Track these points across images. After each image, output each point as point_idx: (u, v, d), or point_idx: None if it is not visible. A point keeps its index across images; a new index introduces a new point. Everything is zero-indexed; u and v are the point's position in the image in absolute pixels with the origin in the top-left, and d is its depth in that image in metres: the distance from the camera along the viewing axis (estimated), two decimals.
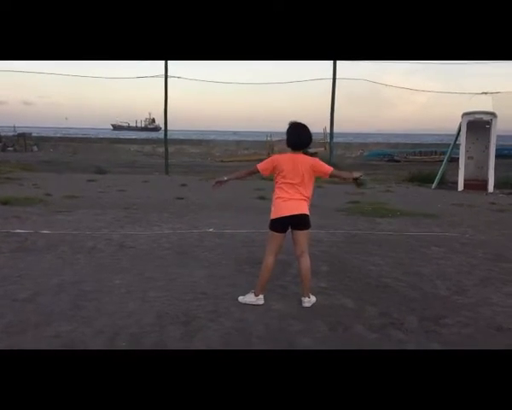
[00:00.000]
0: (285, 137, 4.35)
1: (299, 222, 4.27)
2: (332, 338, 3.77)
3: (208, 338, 3.71)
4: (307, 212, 4.30)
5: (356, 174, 4.56)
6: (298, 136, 4.31)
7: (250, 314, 4.18)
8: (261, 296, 4.41)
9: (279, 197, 4.26)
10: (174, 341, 3.65)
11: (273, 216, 4.29)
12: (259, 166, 4.35)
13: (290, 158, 4.27)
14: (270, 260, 4.36)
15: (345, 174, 4.93)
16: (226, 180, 4.46)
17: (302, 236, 4.34)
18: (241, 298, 4.45)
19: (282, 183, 4.25)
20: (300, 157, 4.29)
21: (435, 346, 3.63)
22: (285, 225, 4.28)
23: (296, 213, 4.23)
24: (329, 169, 4.37)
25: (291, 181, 4.23)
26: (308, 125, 4.30)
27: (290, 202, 4.23)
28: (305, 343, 3.66)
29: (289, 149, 4.33)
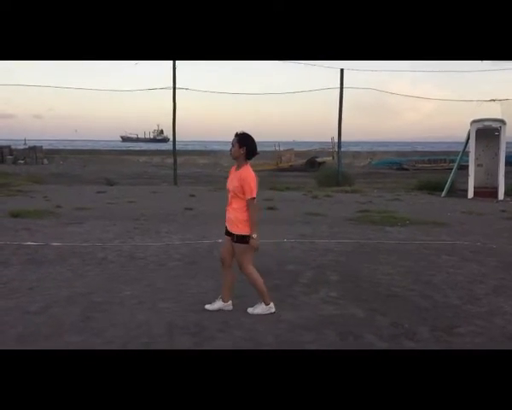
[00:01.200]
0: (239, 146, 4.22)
1: None
2: (343, 348, 3.74)
3: (218, 349, 3.69)
4: None
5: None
6: (255, 146, 4.30)
7: (260, 325, 4.17)
8: (271, 304, 4.41)
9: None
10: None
11: (253, 232, 4.21)
12: (255, 194, 4.15)
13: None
14: (254, 269, 4.36)
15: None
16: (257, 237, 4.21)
17: None
18: (250, 310, 4.44)
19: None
20: None
21: None
22: None
23: None
24: None
25: None
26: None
27: None
28: None
29: (244, 159, 4.22)
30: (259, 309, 4.41)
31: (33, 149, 37.41)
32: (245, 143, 4.21)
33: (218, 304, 4.50)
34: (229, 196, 4.29)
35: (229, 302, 4.50)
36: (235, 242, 4.23)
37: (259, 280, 4.37)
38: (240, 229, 4.20)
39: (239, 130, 4.28)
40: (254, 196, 4.15)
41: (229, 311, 4.44)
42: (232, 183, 4.24)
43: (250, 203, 4.15)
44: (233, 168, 4.37)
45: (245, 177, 4.15)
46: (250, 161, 4.31)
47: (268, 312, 4.38)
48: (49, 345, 3.72)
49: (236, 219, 4.20)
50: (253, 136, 4.29)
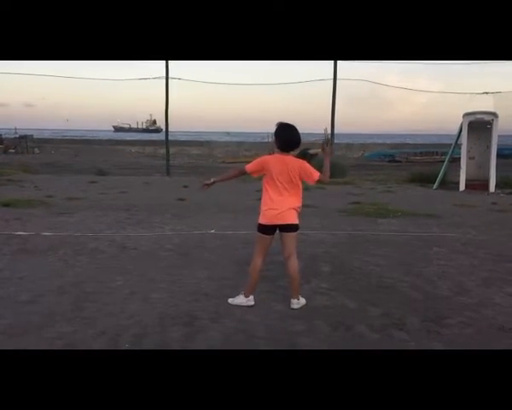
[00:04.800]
0: (274, 137, 4.27)
1: (288, 228, 4.24)
2: (334, 339, 3.77)
3: (210, 339, 3.71)
4: (295, 221, 4.25)
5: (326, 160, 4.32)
6: (290, 136, 4.24)
7: (252, 315, 4.18)
8: (251, 297, 4.41)
9: (270, 200, 4.18)
10: (176, 342, 3.65)
11: (263, 221, 4.22)
12: (248, 167, 4.27)
13: (279, 159, 4.19)
14: (259, 262, 4.32)
15: (326, 172, 4.31)
16: (213, 182, 4.40)
17: (290, 238, 4.27)
18: (230, 300, 4.44)
19: (272, 185, 4.18)
20: (289, 158, 4.21)
21: (437, 346, 3.63)
22: (274, 229, 4.26)
23: (285, 222, 4.18)
24: (316, 175, 4.20)
25: (280, 183, 4.16)
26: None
27: (280, 209, 4.16)
28: (307, 344, 3.66)
29: (278, 150, 4.23)
30: (239, 300, 4.41)
31: (24, 138, 37.03)
32: (277, 135, 4.23)
33: (301, 300, 4.45)
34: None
35: (294, 300, 4.39)
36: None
37: (255, 276, 4.36)
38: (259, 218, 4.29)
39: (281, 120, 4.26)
40: (247, 167, 4.29)
41: (217, 300, 4.45)
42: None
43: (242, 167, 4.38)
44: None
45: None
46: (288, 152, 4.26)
47: (246, 304, 4.36)
48: (40, 335, 3.71)
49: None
50: (295, 126, 4.23)
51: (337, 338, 3.78)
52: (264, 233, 4.25)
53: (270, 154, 4.34)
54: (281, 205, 4.17)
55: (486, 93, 16.82)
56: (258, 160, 4.28)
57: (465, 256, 6.32)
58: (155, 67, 20.48)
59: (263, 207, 4.24)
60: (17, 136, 39.37)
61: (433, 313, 4.30)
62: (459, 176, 14.12)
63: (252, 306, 4.37)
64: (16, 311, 4.18)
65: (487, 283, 5.22)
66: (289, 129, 4.23)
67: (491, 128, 14.04)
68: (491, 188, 13.72)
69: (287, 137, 4.23)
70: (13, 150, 33.20)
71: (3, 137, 37.55)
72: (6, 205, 9.38)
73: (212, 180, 4.40)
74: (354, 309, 4.38)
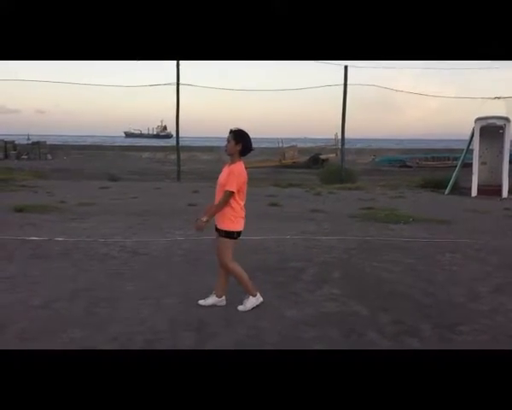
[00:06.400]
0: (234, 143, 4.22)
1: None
2: (346, 346, 3.75)
3: (221, 345, 3.71)
4: None
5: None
6: (250, 142, 4.31)
7: (263, 322, 4.17)
8: (258, 294, 4.46)
9: (242, 209, 4.30)
10: (187, 347, 3.66)
11: (240, 228, 4.31)
12: (233, 189, 4.15)
13: (243, 168, 4.28)
14: (236, 264, 4.42)
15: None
16: (206, 221, 4.23)
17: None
18: (241, 308, 4.43)
19: (241, 194, 4.28)
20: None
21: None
22: None
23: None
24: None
25: (243, 192, 4.30)
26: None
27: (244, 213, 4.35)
28: None
29: (237, 155, 4.24)
30: (250, 304, 4.42)
31: (37, 144, 37.41)
32: (241, 140, 4.22)
33: (211, 299, 4.53)
34: (217, 190, 4.30)
35: (223, 298, 4.53)
36: (223, 236, 4.29)
37: (243, 274, 4.41)
38: (226, 225, 4.24)
39: (233, 126, 4.29)
40: (232, 190, 4.14)
41: (229, 307, 4.45)
42: (223, 177, 4.26)
43: (225, 195, 4.17)
44: (226, 165, 4.38)
45: (233, 171, 4.17)
46: (243, 158, 4.33)
47: (258, 302, 4.41)
48: (53, 340, 3.74)
49: (223, 214, 4.23)
50: (248, 132, 4.29)
51: (349, 345, 3.76)
52: (237, 238, 4.35)
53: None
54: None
55: (498, 98, 16.67)
56: (243, 176, 4.21)
57: (478, 263, 6.25)
58: (166, 72, 20.63)
59: (238, 215, 4.25)
60: (30, 142, 39.79)
61: (446, 320, 4.26)
62: (471, 181, 14.01)
63: (262, 302, 4.43)
64: (29, 316, 4.21)
65: (500, 289, 5.16)
66: (248, 135, 4.28)
67: (503, 133, 13.93)
68: (504, 193, 13.59)
69: (249, 142, 4.28)
70: (26, 156, 33.57)
71: (16, 143, 37.96)
72: (19, 210, 9.48)
73: (204, 219, 4.22)
74: (366, 316, 4.36)
